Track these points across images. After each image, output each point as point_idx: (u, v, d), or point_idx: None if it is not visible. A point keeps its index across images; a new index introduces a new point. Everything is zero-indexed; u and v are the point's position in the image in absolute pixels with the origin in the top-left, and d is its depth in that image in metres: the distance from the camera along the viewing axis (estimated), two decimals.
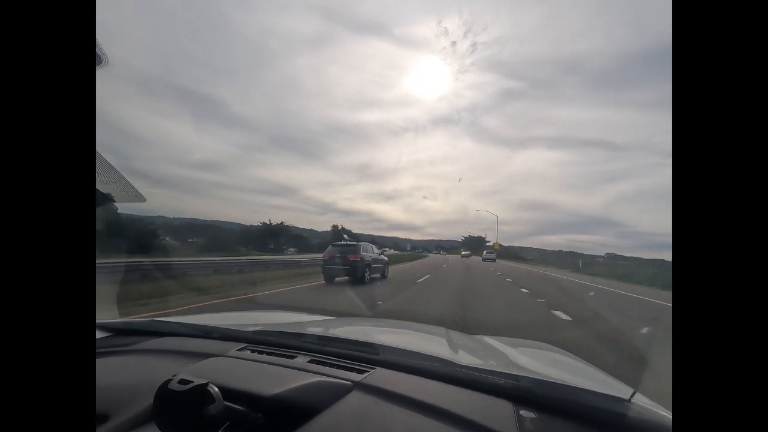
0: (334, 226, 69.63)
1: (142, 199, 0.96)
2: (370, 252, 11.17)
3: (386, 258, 13.21)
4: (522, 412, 0.69)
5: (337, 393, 0.72)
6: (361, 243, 11.23)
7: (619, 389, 0.79)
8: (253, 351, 0.97)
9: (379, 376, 0.82)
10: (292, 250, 41.70)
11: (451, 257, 54.86)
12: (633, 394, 0.71)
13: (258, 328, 1.18)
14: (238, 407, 0.60)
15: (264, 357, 0.91)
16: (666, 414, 0.66)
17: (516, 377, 0.79)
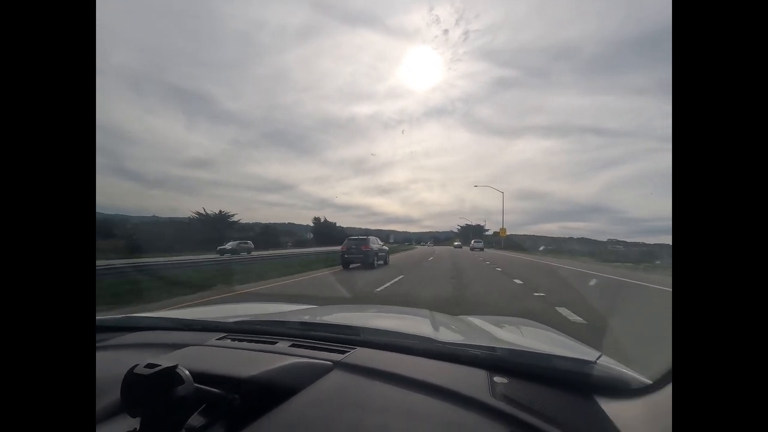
0: (316, 219, 67.42)
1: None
2: (376, 243, 14.08)
3: (387, 248, 15.90)
4: (495, 378, 0.72)
5: (317, 373, 0.72)
6: (370, 237, 14.08)
7: (587, 354, 0.84)
8: (233, 339, 0.95)
9: (359, 355, 0.83)
10: (230, 245, 29.59)
11: (438, 248, 52.07)
12: (599, 357, 0.77)
13: (239, 318, 1.16)
14: (213, 390, 0.59)
15: (244, 344, 0.90)
16: (627, 371, 0.72)
17: (492, 348, 0.83)
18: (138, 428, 0.52)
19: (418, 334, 0.98)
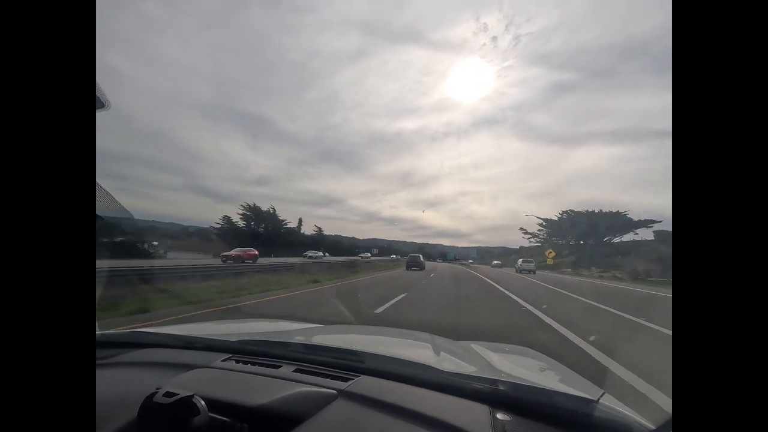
0: (246, 207, 47.94)
1: (130, 215, 0.98)
2: (422, 257, 27.89)
3: (424, 260, 29.78)
4: (498, 415, 0.72)
5: (322, 402, 0.73)
6: (419, 254, 28.77)
7: (588, 390, 0.84)
8: (238, 361, 0.97)
9: (363, 384, 0.83)
10: None
11: (441, 266, 39.11)
12: (602, 395, 0.77)
13: (243, 338, 1.17)
14: (223, 418, 0.60)
15: (249, 367, 0.92)
16: (629, 414, 0.72)
17: (494, 381, 0.83)
18: None
19: (421, 362, 0.98)
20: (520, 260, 31.53)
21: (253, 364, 0.94)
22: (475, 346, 1.44)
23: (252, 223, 50.73)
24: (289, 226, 55.56)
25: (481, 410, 0.74)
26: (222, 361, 0.96)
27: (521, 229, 63.50)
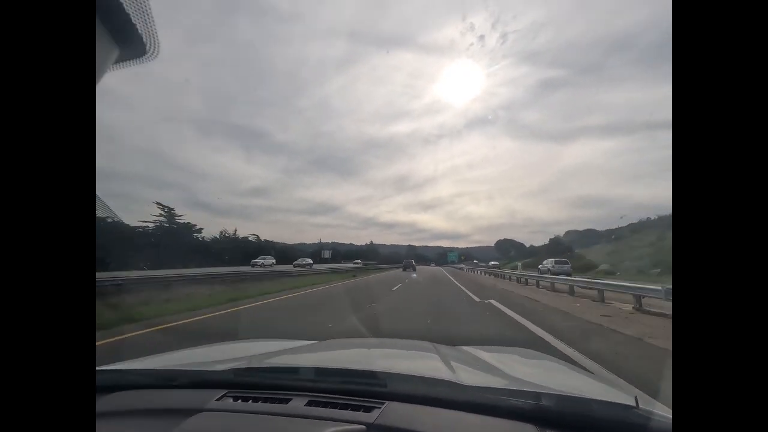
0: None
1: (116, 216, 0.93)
2: (413, 261, 40.34)
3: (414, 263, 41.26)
4: None
5: None
6: (411, 259, 41.19)
7: (621, 396, 0.80)
8: (236, 398, 0.83)
9: (392, 413, 0.74)
10: None
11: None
12: (637, 400, 0.74)
13: (235, 365, 0.99)
14: None
15: (252, 405, 0.79)
16: (666, 414, 0.69)
17: (536, 395, 0.76)
18: None
19: (444, 379, 0.90)
20: (550, 260, 22.86)
21: (255, 399, 0.81)
22: (478, 352, 1.38)
23: None
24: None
25: (526, 431, 0.68)
26: (217, 400, 0.82)
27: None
